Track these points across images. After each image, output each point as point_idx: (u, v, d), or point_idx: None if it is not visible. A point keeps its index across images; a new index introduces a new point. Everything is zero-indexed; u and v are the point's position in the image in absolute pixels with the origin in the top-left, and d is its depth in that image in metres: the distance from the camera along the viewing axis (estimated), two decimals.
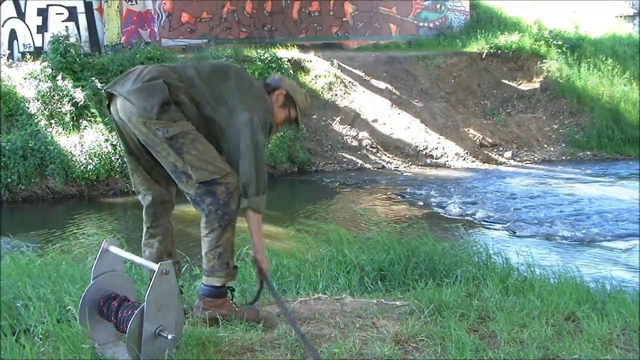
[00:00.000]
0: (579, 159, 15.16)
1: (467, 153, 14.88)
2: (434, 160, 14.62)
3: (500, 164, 14.71)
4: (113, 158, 11.97)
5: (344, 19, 18.94)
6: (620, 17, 24.53)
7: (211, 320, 3.02)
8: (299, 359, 2.69)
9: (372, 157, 14.49)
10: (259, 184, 3.11)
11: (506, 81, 17.10)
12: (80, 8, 16.10)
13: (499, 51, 17.41)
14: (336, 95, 15.27)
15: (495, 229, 9.28)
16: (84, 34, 16.00)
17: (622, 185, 12.23)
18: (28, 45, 15.54)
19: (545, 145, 15.69)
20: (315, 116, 14.77)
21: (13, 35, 15.46)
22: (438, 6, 20.21)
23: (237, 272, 3.26)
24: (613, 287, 3.94)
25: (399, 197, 11.65)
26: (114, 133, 12.20)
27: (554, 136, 15.98)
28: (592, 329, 2.96)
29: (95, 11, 16.26)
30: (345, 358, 2.68)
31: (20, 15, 15.56)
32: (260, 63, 14.59)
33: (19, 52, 15.25)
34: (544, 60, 17.35)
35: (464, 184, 12.54)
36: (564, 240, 8.56)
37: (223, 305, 3.10)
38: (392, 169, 14.17)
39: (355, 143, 14.60)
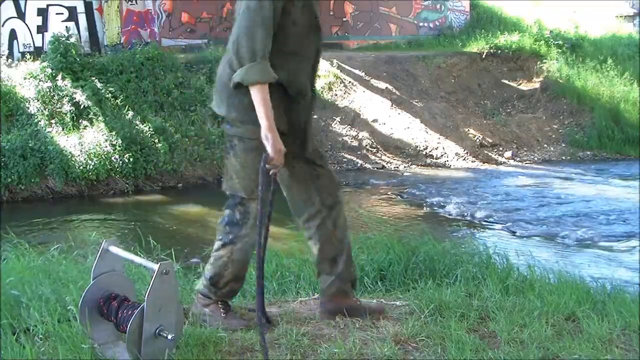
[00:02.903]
0: (579, 159, 15.15)
1: (467, 153, 14.88)
2: (434, 160, 14.62)
3: (500, 164, 14.71)
4: (113, 158, 11.97)
5: (344, 19, 18.94)
6: (620, 17, 24.52)
7: (194, 316, 3.02)
8: (299, 359, 2.69)
9: (372, 157, 14.49)
10: (248, 47, 2.74)
11: (506, 81, 17.10)
12: (80, 8, 16.09)
13: (499, 51, 17.41)
14: (336, 95, 15.27)
15: (495, 229, 9.28)
16: (84, 34, 16.00)
17: (622, 185, 12.23)
18: (28, 45, 15.54)
19: (545, 145, 15.70)
20: (315, 116, 14.76)
21: (13, 35, 15.46)
22: (438, 6, 20.20)
23: (223, 295, 3.06)
24: (613, 287, 3.93)
25: (399, 197, 11.65)
26: (114, 133, 12.23)
27: (554, 136, 15.99)
28: (592, 329, 2.96)
29: (95, 11, 16.26)
30: (345, 358, 2.68)
31: (20, 15, 15.56)
32: None
33: (19, 52, 15.26)
34: (544, 60, 17.35)
35: (464, 184, 12.54)
36: (564, 240, 8.56)
37: (208, 306, 3.06)
38: (392, 169, 14.17)
39: (355, 143, 14.60)
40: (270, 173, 2.78)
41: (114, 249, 2.71)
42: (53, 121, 12.31)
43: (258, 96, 2.75)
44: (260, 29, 2.75)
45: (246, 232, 2.94)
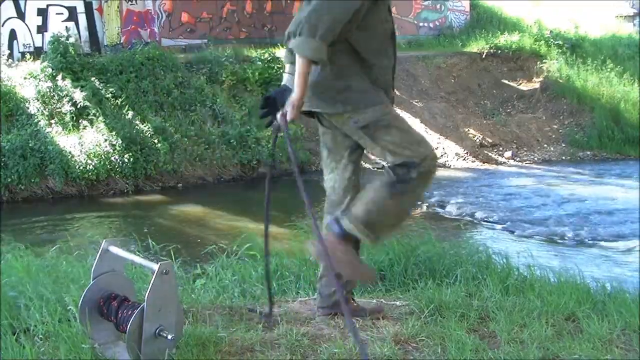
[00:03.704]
0: (579, 159, 15.16)
1: (467, 153, 14.89)
2: None
3: (500, 164, 14.71)
4: (113, 158, 11.97)
5: None
6: (620, 17, 24.53)
7: (317, 255, 2.88)
8: (299, 359, 2.69)
9: (372, 157, 14.49)
10: (314, 24, 2.68)
11: (506, 81, 17.11)
12: (80, 8, 16.10)
13: (499, 51, 17.43)
14: None
15: (495, 229, 9.28)
16: (84, 34, 16.00)
17: (622, 185, 12.23)
18: (28, 45, 15.54)
19: (545, 145, 15.70)
20: None
21: (13, 35, 15.46)
22: (438, 6, 20.21)
23: (377, 240, 3.00)
24: (613, 287, 3.93)
25: None
26: (113, 133, 12.22)
27: (554, 136, 15.99)
28: (592, 329, 2.96)
29: (95, 11, 16.26)
30: (345, 358, 2.68)
31: (20, 15, 15.57)
32: (260, 63, 14.60)
33: (19, 52, 15.25)
34: (544, 60, 17.36)
35: (464, 184, 12.54)
36: (564, 240, 8.56)
37: (340, 248, 2.88)
38: None
39: None
40: (272, 131, 2.94)
41: (113, 249, 2.71)
42: (53, 121, 12.31)
43: (303, 68, 2.75)
44: (330, 15, 2.70)
45: (417, 185, 2.92)
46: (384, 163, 2.96)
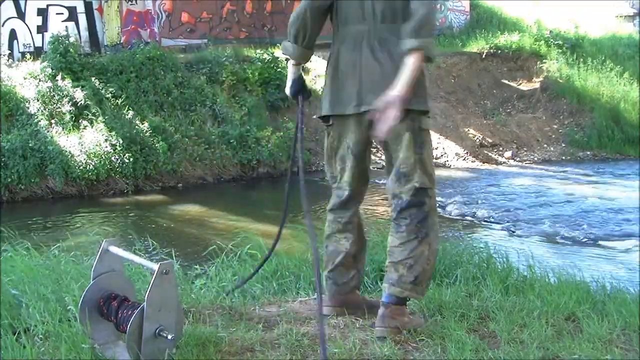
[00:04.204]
0: (579, 159, 15.16)
1: (467, 153, 14.89)
2: (434, 160, 14.58)
3: (500, 164, 14.71)
4: (113, 158, 11.97)
5: None
6: (620, 17, 24.54)
7: (394, 331, 2.88)
8: (299, 359, 2.69)
9: (372, 157, 14.47)
10: (432, 27, 2.80)
11: (506, 81, 17.11)
12: (80, 8, 16.09)
13: (499, 51, 17.43)
14: None
15: (495, 229, 9.28)
16: (84, 34, 15.99)
17: (622, 185, 12.23)
18: (28, 45, 15.54)
19: (545, 145, 15.70)
20: (315, 116, 14.77)
21: (13, 35, 15.45)
22: (438, 6, 20.19)
23: (426, 291, 3.06)
24: (613, 287, 3.93)
25: None
26: (113, 133, 12.21)
27: (554, 136, 16.00)
28: (592, 329, 2.96)
29: (95, 11, 16.26)
30: (345, 358, 2.68)
31: (20, 15, 15.56)
32: (260, 63, 14.60)
33: (19, 52, 15.25)
34: (544, 60, 17.37)
35: (464, 184, 12.54)
36: (564, 240, 8.56)
37: (404, 314, 2.97)
38: None
39: None
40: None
41: (113, 249, 2.71)
42: (53, 121, 12.31)
43: (419, 67, 2.80)
44: (435, 18, 2.86)
45: (432, 222, 2.94)
46: (403, 186, 2.93)
